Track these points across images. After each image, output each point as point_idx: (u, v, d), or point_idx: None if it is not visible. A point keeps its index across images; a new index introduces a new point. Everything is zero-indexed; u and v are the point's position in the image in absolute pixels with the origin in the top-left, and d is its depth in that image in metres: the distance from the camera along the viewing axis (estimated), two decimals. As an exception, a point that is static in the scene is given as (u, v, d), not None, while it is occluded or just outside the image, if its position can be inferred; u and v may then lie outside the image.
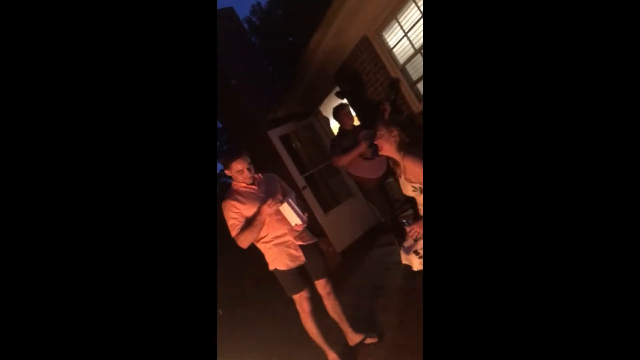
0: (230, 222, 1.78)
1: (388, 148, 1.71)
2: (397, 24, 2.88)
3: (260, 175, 1.95)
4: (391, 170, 1.80)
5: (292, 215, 1.75)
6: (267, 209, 1.74)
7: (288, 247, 1.87)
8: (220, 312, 3.98)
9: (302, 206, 1.86)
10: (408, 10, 2.74)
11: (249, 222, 1.77)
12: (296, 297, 1.89)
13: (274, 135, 4.05)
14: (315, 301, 1.93)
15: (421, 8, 2.57)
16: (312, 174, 4.28)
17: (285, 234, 1.86)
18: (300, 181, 4.00)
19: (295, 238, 1.88)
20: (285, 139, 4.17)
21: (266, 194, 1.85)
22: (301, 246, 1.89)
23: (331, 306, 1.96)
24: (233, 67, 5.24)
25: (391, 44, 3.04)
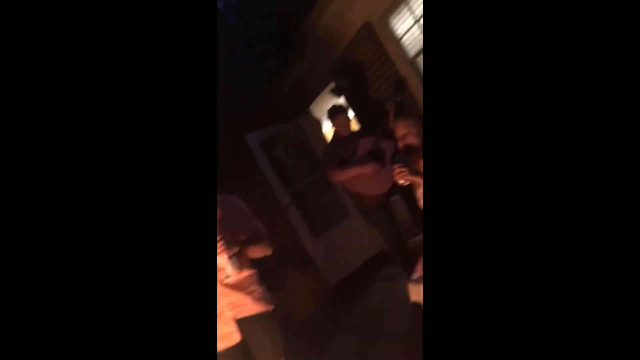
0: None
1: (419, 144, 1.68)
2: (406, 9, 2.69)
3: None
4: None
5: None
6: None
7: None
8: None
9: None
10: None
11: None
12: None
13: (253, 139, 3.71)
14: None
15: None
16: (299, 189, 3.97)
17: None
18: (285, 198, 3.63)
19: (229, 306, 1.40)
20: (266, 145, 3.87)
21: None
22: (239, 320, 1.42)
23: None
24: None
25: (399, 32, 2.85)
